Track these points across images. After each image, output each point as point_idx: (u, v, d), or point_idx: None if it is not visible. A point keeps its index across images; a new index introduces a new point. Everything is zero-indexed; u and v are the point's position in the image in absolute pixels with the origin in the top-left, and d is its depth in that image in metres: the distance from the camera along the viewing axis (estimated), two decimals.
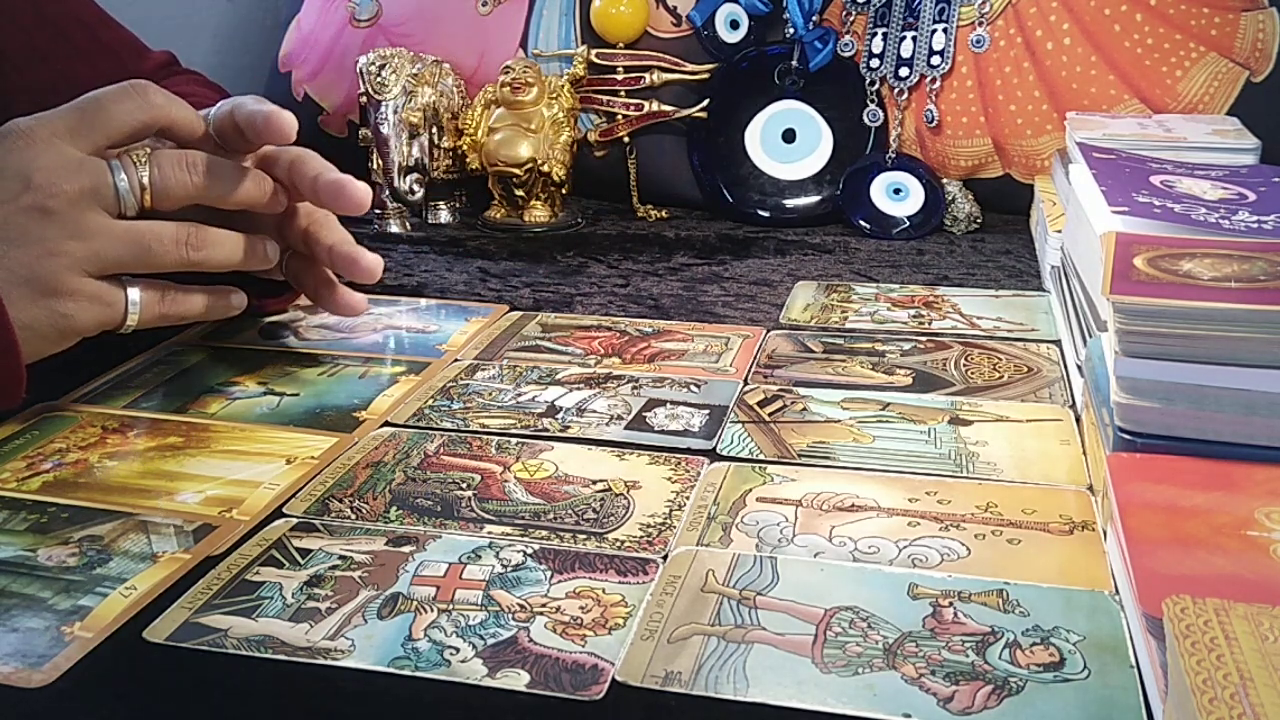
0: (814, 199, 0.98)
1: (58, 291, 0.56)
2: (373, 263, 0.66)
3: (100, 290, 0.58)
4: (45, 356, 0.58)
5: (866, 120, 0.97)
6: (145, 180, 0.59)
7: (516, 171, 0.95)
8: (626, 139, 1.02)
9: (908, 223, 0.94)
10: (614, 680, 0.40)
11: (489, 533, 0.50)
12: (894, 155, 0.97)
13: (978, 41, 0.94)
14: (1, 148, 0.57)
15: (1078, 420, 0.59)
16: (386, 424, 0.61)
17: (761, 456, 0.56)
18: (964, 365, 0.66)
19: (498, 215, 0.99)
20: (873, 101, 0.97)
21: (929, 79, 0.95)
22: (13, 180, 0.56)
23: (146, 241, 0.58)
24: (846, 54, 0.97)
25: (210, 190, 0.61)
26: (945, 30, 0.94)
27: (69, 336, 0.58)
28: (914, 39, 0.95)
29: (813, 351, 0.69)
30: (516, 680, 0.40)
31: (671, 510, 0.52)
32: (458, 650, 0.42)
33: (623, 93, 1.01)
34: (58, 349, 0.58)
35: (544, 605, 0.45)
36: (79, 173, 0.57)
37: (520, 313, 0.77)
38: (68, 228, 0.56)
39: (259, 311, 0.75)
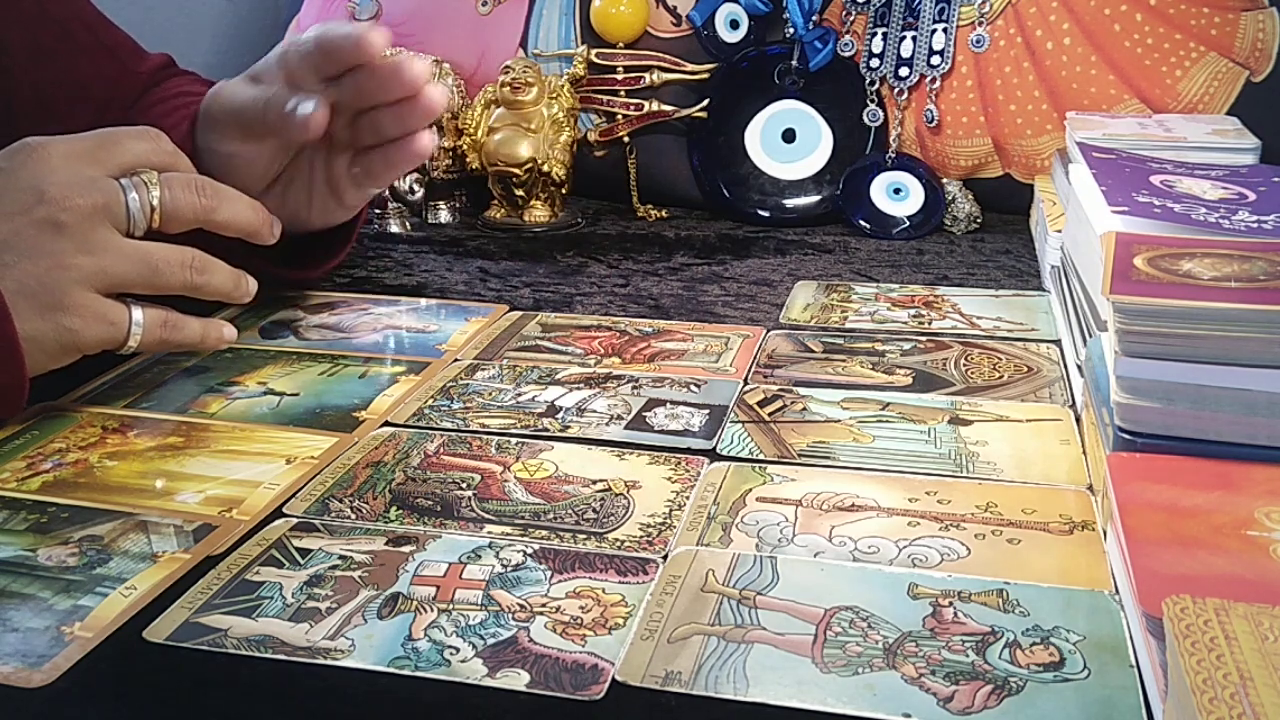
0: (814, 199, 0.98)
1: (64, 306, 0.57)
2: (419, 69, 0.66)
3: (106, 308, 0.58)
4: (45, 371, 0.58)
5: (866, 120, 0.97)
6: (155, 201, 0.59)
7: (516, 171, 0.95)
8: (626, 139, 1.02)
9: (908, 223, 0.94)
10: (614, 680, 0.40)
11: (489, 533, 0.50)
12: (894, 155, 0.97)
13: (978, 41, 0.94)
14: (16, 161, 0.57)
15: (1078, 420, 0.59)
16: (386, 424, 0.61)
17: (761, 456, 0.56)
18: (964, 365, 0.66)
19: (498, 215, 0.99)
20: (873, 101, 0.97)
21: (929, 79, 0.95)
22: (26, 193, 0.56)
23: (154, 261, 0.59)
24: (846, 54, 0.97)
25: (216, 214, 0.62)
26: (945, 30, 0.94)
27: (71, 352, 0.58)
28: (914, 39, 0.95)
29: (813, 351, 0.69)
30: (516, 680, 0.40)
31: (671, 510, 0.52)
32: (458, 650, 0.42)
33: (623, 93, 1.01)
34: (59, 364, 0.59)
35: (544, 605, 0.45)
36: (92, 189, 0.57)
37: (520, 313, 0.77)
38: (78, 242, 0.57)
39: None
